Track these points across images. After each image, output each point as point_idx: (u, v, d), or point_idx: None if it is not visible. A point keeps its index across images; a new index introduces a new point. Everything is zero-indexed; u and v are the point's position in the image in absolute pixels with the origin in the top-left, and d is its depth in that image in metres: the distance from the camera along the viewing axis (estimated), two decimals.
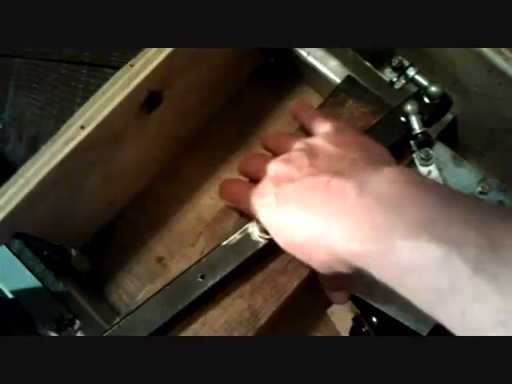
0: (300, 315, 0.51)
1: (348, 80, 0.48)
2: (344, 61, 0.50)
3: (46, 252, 0.48)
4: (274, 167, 0.37)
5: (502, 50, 0.41)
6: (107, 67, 0.61)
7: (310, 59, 0.53)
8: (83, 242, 0.53)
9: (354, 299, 0.45)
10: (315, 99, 0.56)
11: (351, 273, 0.32)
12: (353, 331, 0.45)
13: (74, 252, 0.53)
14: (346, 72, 0.50)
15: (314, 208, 0.32)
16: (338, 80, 0.51)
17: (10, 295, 0.45)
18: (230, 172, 0.55)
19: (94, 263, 0.54)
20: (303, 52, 0.53)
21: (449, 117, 0.51)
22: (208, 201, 0.54)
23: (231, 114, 0.57)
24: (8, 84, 0.63)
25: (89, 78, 0.61)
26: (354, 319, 0.46)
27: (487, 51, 0.41)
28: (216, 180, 0.55)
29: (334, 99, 0.48)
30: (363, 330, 0.44)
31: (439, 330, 0.41)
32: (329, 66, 0.52)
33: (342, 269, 0.32)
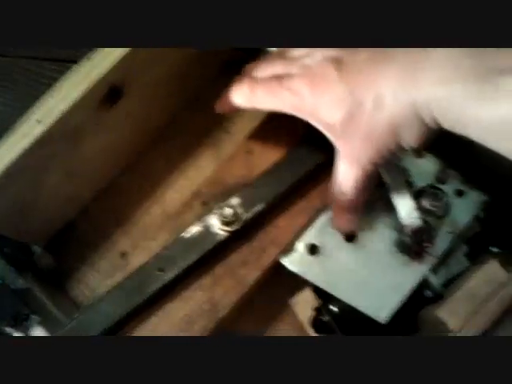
0: (263, 307, 0.51)
1: None
2: None
3: (7, 249, 0.47)
4: (319, 54, 0.38)
5: None
6: (73, 62, 0.60)
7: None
8: (46, 238, 0.53)
9: (316, 289, 0.45)
10: None
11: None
12: (314, 321, 0.45)
13: (36, 249, 0.52)
14: None
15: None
16: None
17: None
18: (196, 168, 0.54)
19: (57, 260, 0.53)
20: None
21: None
22: (172, 195, 0.54)
23: (198, 109, 0.57)
24: None
25: (55, 74, 0.60)
26: (315, 309, 0.46)
27: None
28: (181, 175, 0.54)
29: None
30: (323, 319, 0.44)
31: (398, 318, 0.41)
32: None
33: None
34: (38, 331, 0.42)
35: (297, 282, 0.47)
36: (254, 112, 0.56)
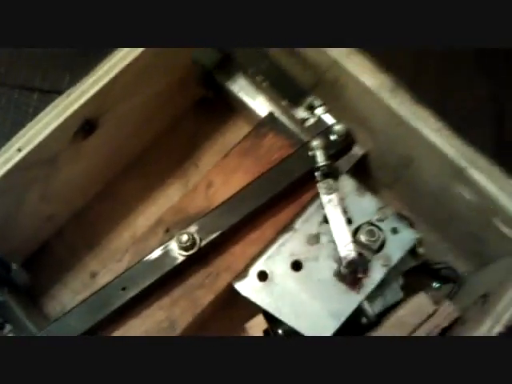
0: (220, 331, 0.55)
1: (270, 116, 0.54)
2: (269, 98, 0.56)
3: None
4: None
5: (399, 92, 0.47)
6: (56, 93, 0.65)
7: (241, 95, 0.59)
8: (23, 257, 0.57)
9: (265, 314, 0.49)
10: (246, 131, 0.62)
11: None
12: None
13: (14, 266, 0.56)
14: (270, 108, 0.56)
15: None
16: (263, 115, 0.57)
17: None
18: (166, 197, 0.59)
19: (32, 277, 0.57)
20: (235, 87, 0.59)
21: (359, 153, 0.57)
22: (143, 221, 0.58)
23: (169, 142, 0.62)
24: None
25: (39, 103, 0.65)
26: (264, 331, 0.50)
27: (383, 93, 0.47)
28: (152, 202, 0.59)
29: (257, 131, 0.53)
30: None
31: None
32: (256, 102, 0.58)
33: None
34: None
35: (253, 309, 0.52)
36: (220, 147, 0.61)
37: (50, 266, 0.58)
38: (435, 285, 0.58)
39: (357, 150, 0.57)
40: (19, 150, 0.44)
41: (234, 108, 0.62)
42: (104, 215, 0.59)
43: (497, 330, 0.42)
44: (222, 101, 0.63)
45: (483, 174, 0.46)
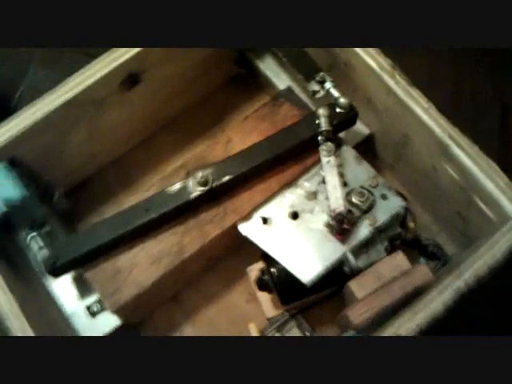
0: (225, 271, 0.64)
1: (288, 89, 0.62)
2: (288, 73, 0.64)
3: (35, 184, 0.61)
4: None
5: (396, 74, 0.55)
6: None
7: (267, 72, 0.68)
8: (66, 187, 0.67)
9: (263, 256, 0.57)
10: None
11: None
12: (257, 279, 0.58)
13: (57, 193, 0.66)
14: (289, 82, 0.64)
15: None
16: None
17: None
18: (193, 152, 0.68)
19: (72, 206, 0.67)
20: (263, 65, 0.68)
21: (365, 131, 0.64)
22: (172, 170, 0.67)
23: (202, 108, 0.71)
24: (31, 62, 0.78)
25: None
26: (259, 270, 0.58)
27: (383, 74, 0.55)
28: (180, 156, 0.68)
29: (274, 102, 0.62)
30: (264, 278, 0.57)
31: (321, 284, 0.53)
32: (279, 78, 0.66)
33: None
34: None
35: (255, 256, 0.59)
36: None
37: (89, 200, 0.68)
38: (422, 260, 0.64)
39: (363, 130, 0.64)
40: (73, 87, 0.54)
41: (261, 85, 0.70)
42: (139, 162, 0.69)
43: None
44: (252, 78, 0.71)
45: (464, 152, 0.52)
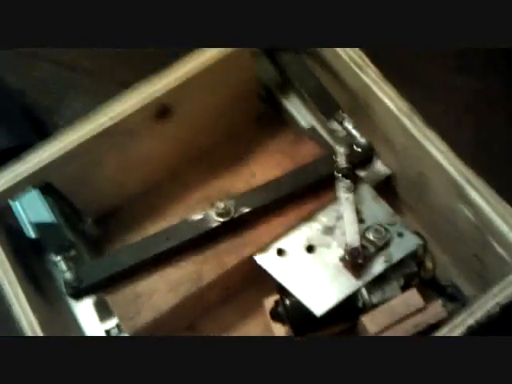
0: (242, 302, 0.65)
1: (311, 127, 0.65)
2: (311, 112, 0.67)
3: (67, 210, 0.65)
4: None
5: (414, 116, 0.57)
6: None
7: (293, 110, 0.70)
8: (95, 214, 0.70)
9: (278, 288, 0.58)
10: None
11: None
12: (271, 311, 0.59)
13: (89, 219, 0.69)
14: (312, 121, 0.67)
15: None
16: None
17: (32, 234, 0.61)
18: (217, 185, 0.70)
19: (102, 233, 0.70)
20: (289, 104, 0.71)
21: (386, 172, 0.66)
22: (196, 201, 0.70)
23: (229, 144, 0.74)
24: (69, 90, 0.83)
25: None
26: (274, 302, 0.59)
27: (403, 116, 0.57)
28: (207, 188, 0.71)
29: (297, 139, 0.65)
30: (278, 309, 0.58)
31: (334, 316, 0.53)
32: (303, 116, 0.69)
33: None
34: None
35: (272, 289, 0.61)
36: (273, 159, 0.71)
37: (118, 227, 0.70)
38: (441, 302, 0.64)
39: (384, 170, 0.66)
40: (111, 118, 0.58)
41: (286, 122, 0.73)
42: (166, 193, 0.71)
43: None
44: (277, 115, 0.74)
45: (479, 194, 0.53)
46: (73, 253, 0.58)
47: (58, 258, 0.57)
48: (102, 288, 0.57)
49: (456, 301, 0.63)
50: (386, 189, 0.67)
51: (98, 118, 0.58)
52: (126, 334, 0.56)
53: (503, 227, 0.52)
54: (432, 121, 0.57)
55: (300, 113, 0.69)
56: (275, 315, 0.59)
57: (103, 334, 0.61)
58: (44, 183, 0.59)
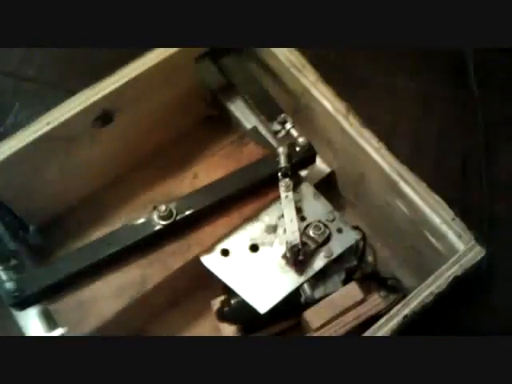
0: (190, 304, 0.65)
1: (253, 129, 0.66)
2: (254, 114, 0.68)
3: (8, 218, 0.63)
4: None
5: (350, 116, 0.58)
6: None
7: (237, 113, 0.71)
8: (38, 222, 0.69)
9: (224, 288, 0.59)
10: None
11: None
12: (217, 311, 0.59)
13: (32, 228, 0.68)
14: (254, 123, 0.68)
15: None
16: None
17: None
18: (162, 192, 0.69)
19: (44, 241, 0.69)
20: (233, 107, 0.71)
21: (326, 170, 0.68)
22: (139, 205, 0.69)
23: (174, 147, 0.74)
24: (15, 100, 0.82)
25: None
26: (221, 301, 0.60)
27: (338, 116, 0.59)
28: (151, 192, 0.71)
29: (240, 140, 0.65)
30: (224, 309, 0.58)
31: (277, 313, 0.54)
32: (247, 119, 0.70)
33: None
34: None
35: (219, 289, 0.61)
36: (218, 159, 0.72)
37: (62, 235, 0.70)
38: (382, 293, 0.66)
39: (324, 168, 0.68)
40: (48, 123, 0.57)
41: (232, 125, 0.74)
42: (110, 198, 0.71)
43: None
44: (223, 119, 0.75)
45: (412, 189, 0.55)
46: (13, 262, 0.56)
47: None
48: (44, 297, 0.56)
49: (397, 292, 0.65)
50: (327, 186, 0.69)
51: (36, 126, 0.58)
52: None
53: (435, 220, 0.55)
54: (370, 121, 0.60)
55: (244, 115, 0.70)
56: (221, 315, 0.59)
57: None
58: None
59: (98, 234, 0.66)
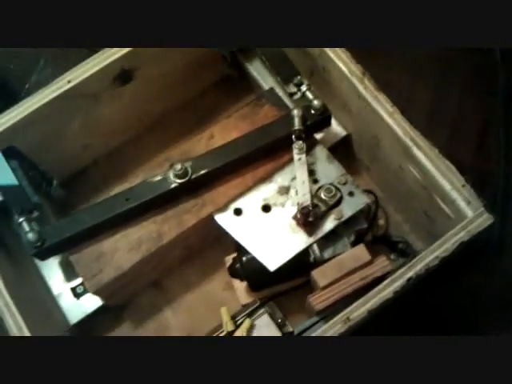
0: (205, 260, 0.68)
1: (269, 90, 0.66)
2: (271, 75, 0.69)
3: (32, 173, 0.66)
4: None
5: (365, 80, 0.58)
6: None
7: (255, 73, 0.72)
8: (62, 176, 0.71)
9: (236, 245, 0.61)
10: None
11: None
12: (229, 267, 0.62)
13: (55, 182, 0.71)
14: (271, 84, 0.68)
15: None
16: None
17: None
18: (179, 151, 0.71)
19: (67, 195, 0.72)
20: (251, 67, 0.72)
21: (342, 133, 0.68)
22: (157, 163, 0.71)
23: (192, 107, 0.75)
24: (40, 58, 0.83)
25: None
26: (232, 259, 0.62)
27: (354, 80, 0.59)
28: (169, 150, 0.72)
29: (256, 102, 0.66)
30: (236, 266, 0.60)
31: (288, 271, 0.56)
32: (264, 80, 0.70)
33: None
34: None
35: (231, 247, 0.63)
36: (233, 120, 0.73)
37: (84, 189, 0.72)
38: (392, 257, 0.67)
39: (340, 131, 0.68)
40: (69, 81, 0.59)
41: (250, 86, 0.74)
42: (130, 155, 0.73)
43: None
44: (242, 79, 0.76)
45: (424, 154, 0.56)
46: (36, 214, 0.59)
47: (21, 219, 0.58)
48: (65, 248, 0.59)
49: (407, 256, 0.66)
50: (343, 149, 0.69)
51: (58, 84, 0.59)
52: (89, 292, 0.59)
53: (446, 185, 0.55)
54: (387, 85, 0.59)
55: (264, 77, 0.71)
56: (233, 272, 0.61)
57: (69, 292, 0.64)
58: (7, 147, 0.60)
59: (118, 188, 0.69)
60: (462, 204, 0.54)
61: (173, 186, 0.59)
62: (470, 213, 0.54)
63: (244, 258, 0.60)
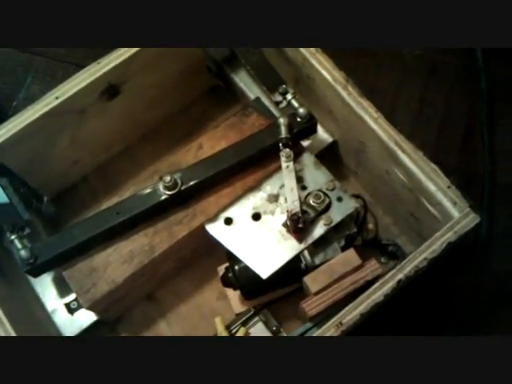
0: (197, 270, 0.68)
1: (256, 100, 0.67)
2: (257, 85, 0.69)
3: (23, 190, 0.66)
4: None
5: (348, 86, 0.59)
6: None
7: (241, 84, 0.72)
8: (51, 193, 0.72)
9: (228, 254, 0.61)
10: None
11: None
12: (222, 276, 0.62)
13: (45, 198, 0.71)
14: (257, 94, 0.69)
15: None
16: None
17: None
18: (168, 163, 0.71)
19: (57, 212, 0.72)
20: (237, 78, 0.73)
21: (328, 140, 0.69)
22: (146, 176, 0.71)
23: (180, 118, 0.76)
24: (27, 75, 0.84)
25: None
26: (225, 268, 0.62)
27: (337, 86, 0.60)
28: (158, 162, 0.73)
29: (243, 111, 0.66)
30: (228, 275, 0.61)
31: (279, 278, 0.57)
32: (251, 90, 0.71)
33: None
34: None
35: (224, 257, 0.64)
36: (221, 131, 0.74)
37: (75, 204, 0.73)
38: (383, 260, 0.68)
39: (326, 138, 0.69)
40: (57, 97, 0.59)
41: (237, 96, 0.75)
42: (120, 169, 0.74)
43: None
44: (228, 90, 0.77)
45: (408, 157, 0.57)
46: (27, 231, 0.60)
47: (13, 236, 0.58)
48: (57, 264, 0.59)
49: (397, 258, 0.67)
50: (331, 156, 0.70)
51: (45, 99, 0.60)
52: (83, 307, 0.59)
53: (431, 187, 0.56)
54: (373, 90, 0.61)
55: (248, 86, 0.71)
56: (226, 281, 0.62)
57: (63, 308, 0.64)
58: None
59: (108, 203, 0.69)
60: (448, 205, 0.55)
61: (163, 197, 0.59)
62: (456, 213, 0.54)
63: (236, 267, 0.60)
